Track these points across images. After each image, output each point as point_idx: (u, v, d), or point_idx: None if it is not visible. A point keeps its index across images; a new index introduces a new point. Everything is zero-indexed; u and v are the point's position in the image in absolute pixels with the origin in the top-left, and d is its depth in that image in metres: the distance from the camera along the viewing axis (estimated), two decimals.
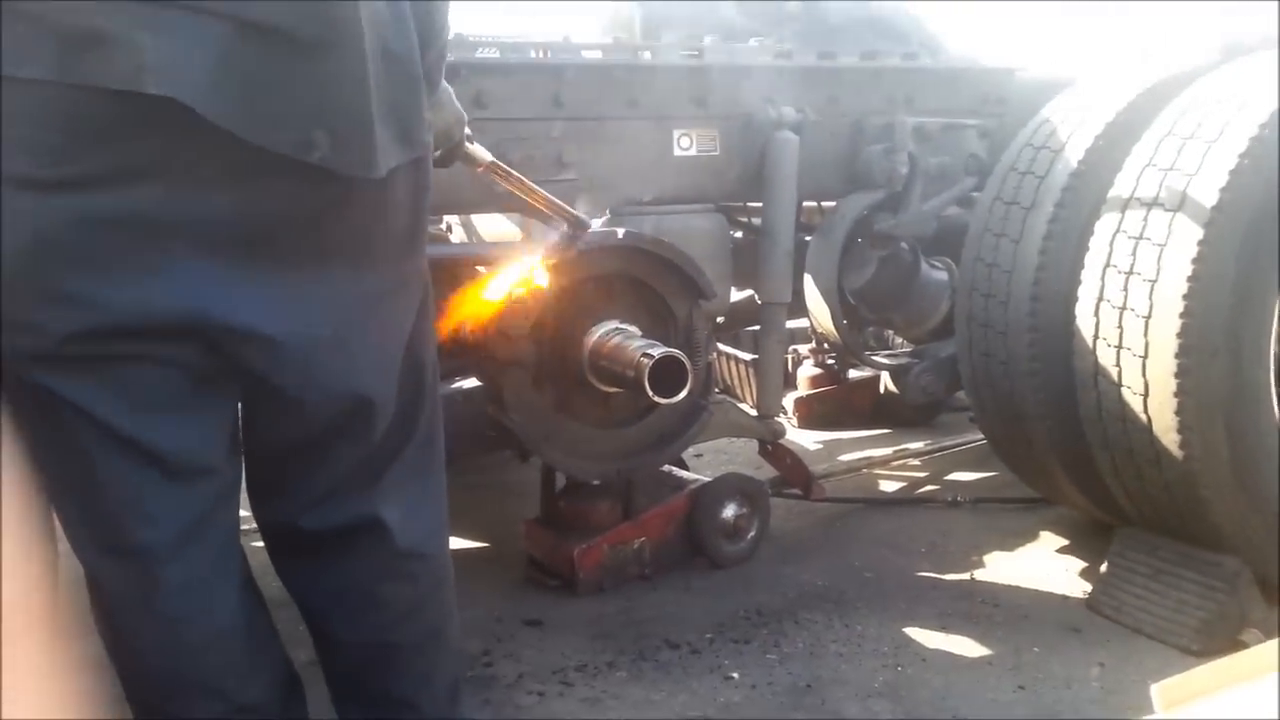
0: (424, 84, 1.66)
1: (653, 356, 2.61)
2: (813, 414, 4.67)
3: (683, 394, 2.63)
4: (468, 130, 2.16)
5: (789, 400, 4.61)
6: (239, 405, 1.78)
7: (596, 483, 3.11)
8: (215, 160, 1.48)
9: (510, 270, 2.77)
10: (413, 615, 1.94)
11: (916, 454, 4.26)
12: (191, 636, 1.71)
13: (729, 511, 3.26)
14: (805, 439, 4.51)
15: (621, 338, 2.79)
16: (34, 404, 1.57)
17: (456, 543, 3.44)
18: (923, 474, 4.11)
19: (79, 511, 1.65)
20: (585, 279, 2.85)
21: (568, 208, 2.48)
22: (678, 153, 3.29)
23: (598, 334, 2.83)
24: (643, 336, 2.82)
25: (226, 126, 1.41)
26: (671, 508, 3.22)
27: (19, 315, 1.49)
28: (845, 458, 4.22)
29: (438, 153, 2.08)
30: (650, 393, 2.60)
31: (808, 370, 4.74)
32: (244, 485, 1.86)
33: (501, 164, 2.27)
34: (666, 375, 2.62)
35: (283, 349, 1.63)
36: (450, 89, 2.00)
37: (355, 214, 1.64)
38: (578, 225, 2.47)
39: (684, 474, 3.41)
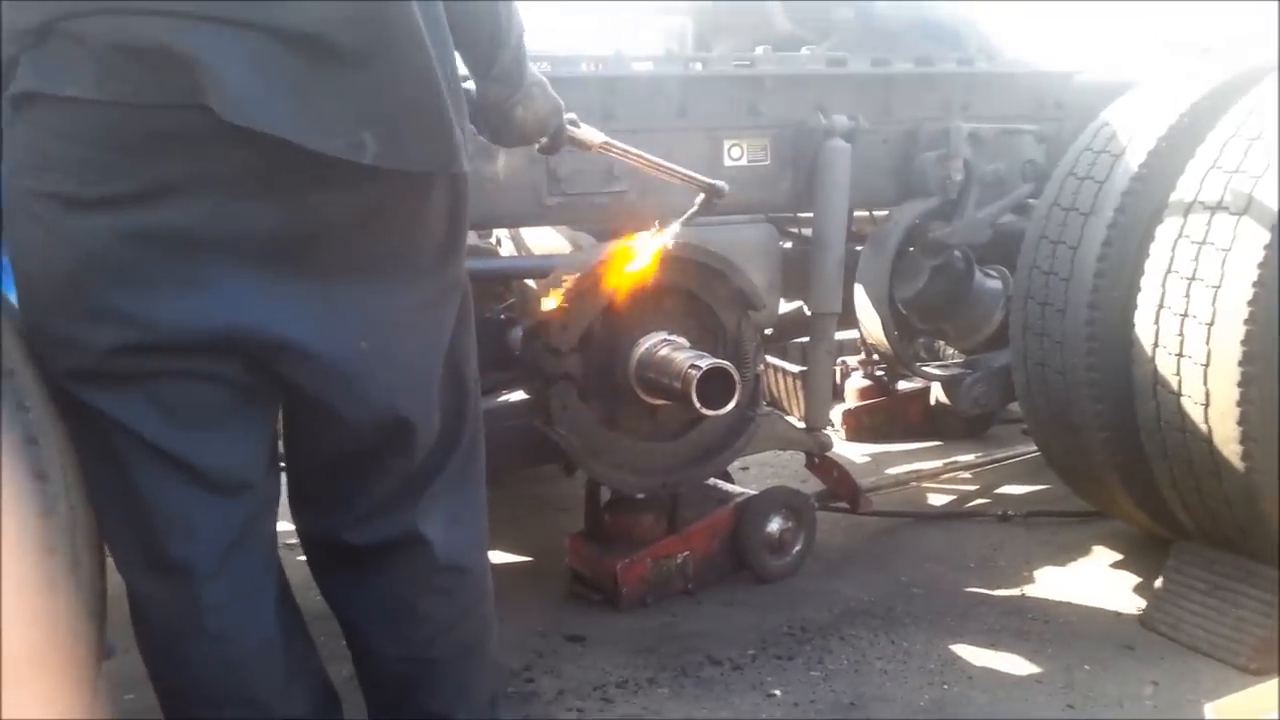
0: (462, 94, 1.66)
1: (701, 368, 2.58)
2: (861, 426, 4.61)
3: (730, 405, 2.59)
4: (572, 115, 2.14)
5: (837, 413, 4.55)
6: (279, 418, 1.77)
7: (641, 496, 3.07)
8: (255, 173, 1.47)
9: (559, 282, 2.75)
10: (452, 630, 1.92)
11: (966, 466, 4.18)
12: (232, 652, 1.71)
13: (774, 525, 3.21)
14: (853, 452, 4.45)
15: (669, 349, 2.75)
16: (78, 421, 1.57)
17: (500, 557, 3.43)
18: (973, 487, 4.03)
19: (122, 527, 1.65)
20: (633, 290, 2.81)
21: (697, 175, 2.46)
22: (728, 163, 3.25)
23: (645, 345, 2.80)
24: (691, 348, 2.78)
25: (279, 134, 1.40)
26: (716, 521, 3.17)
27: (60, 332, 1.51)
28: (893, 470, 4.15)
29: (543, 141, 2.07)
30: (698, 404, 2.56)
31: (856, 382, 4.68)
32: (283, 497, 1.85)
33: (615, 142, 2.27)
34: (714, 387, 2.58)
35: (324, 363, 1.62)
36: (545, 80, 1.99)
37: (394, 224, 1.63)
38: (713, 192, 2.46)
39: (729, 487, 3.36)
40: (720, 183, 2.49)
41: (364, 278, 1.63)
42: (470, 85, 1.88)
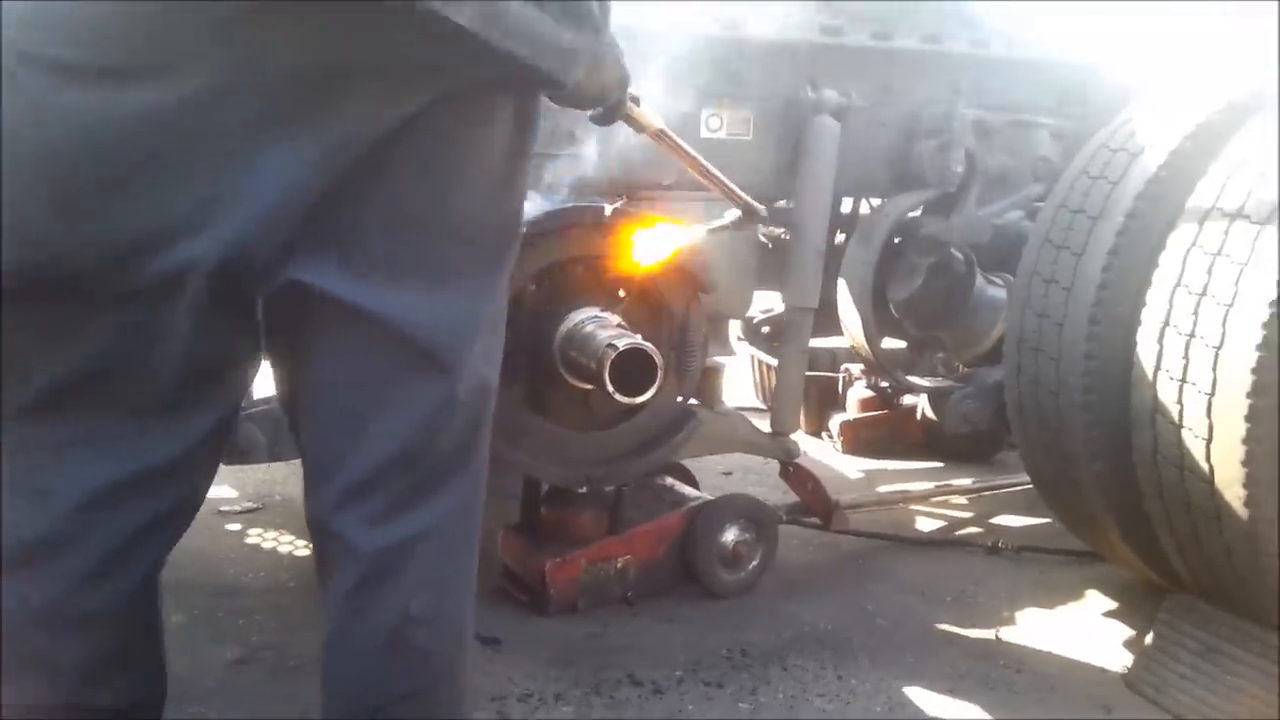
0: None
1: (617, 348, 2.32)
2: (859, 439, 4.32)
3: (649, 393, 2.34)
4: (634, 92, 1.90)
5: (835, 423, 4.30)
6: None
7: (583, 490, 2.82)
8: (281, 52, 1.26)
9: None
10: (416, 697, 1.60)
11: (961, 491, 3.89)
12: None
13: (729, 535, 2.95)
14: (848, 465, 4.19)
15: (595, 326, 2.50)
16: None
17: None
18: (965, 514, 3.75)
19: None
20: (568, 260, 2.55)
21: (741, 193, 2.21)
22: (705, 134, 2.97)
23: (572, 322, 2.54)
24: (617, 326, 2.52)
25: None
26: (664, 525, 2.92)
27: (21, 229, 1.27)
28: (882, 489, 3.87)
29: (597, 111, 1.85)
30: (610, 388, 2.30)
31: (859, 392, 4.38)
32: None
33: (671, 133, 2.02)
34: (633, 370, 2.33)
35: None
36: (620, 48, 1.76)
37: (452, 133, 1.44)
38: (751, 212, 2.20)
39: (687, 490, 3.11)
40: (761, 208, 2.24)
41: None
42: None
